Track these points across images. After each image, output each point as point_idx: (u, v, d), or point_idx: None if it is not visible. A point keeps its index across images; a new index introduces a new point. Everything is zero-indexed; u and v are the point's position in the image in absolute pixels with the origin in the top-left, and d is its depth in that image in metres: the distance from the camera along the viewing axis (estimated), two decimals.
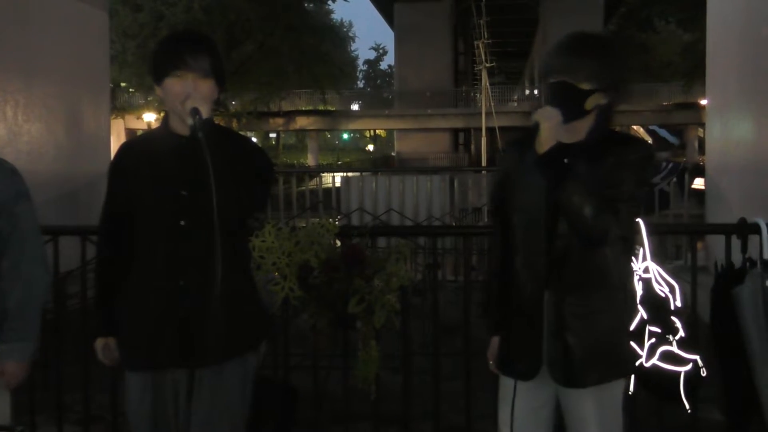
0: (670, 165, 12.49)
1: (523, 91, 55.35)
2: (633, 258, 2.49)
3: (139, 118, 39.55)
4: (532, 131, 2.27)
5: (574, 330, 2.34)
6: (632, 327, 2.42)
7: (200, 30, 2.76)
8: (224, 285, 2.32)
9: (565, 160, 2.28)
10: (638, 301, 2.44)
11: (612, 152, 2.30)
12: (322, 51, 41.17)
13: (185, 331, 2.35)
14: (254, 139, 69.25)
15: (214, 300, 2.30)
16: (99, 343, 2.62)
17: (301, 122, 48.12)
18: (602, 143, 2.33)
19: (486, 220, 12.53)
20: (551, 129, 2.25)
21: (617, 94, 2.37)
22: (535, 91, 49.59)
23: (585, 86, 2.29)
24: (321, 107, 47.76)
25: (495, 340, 2.59)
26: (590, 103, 2.32)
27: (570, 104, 2.29)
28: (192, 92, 2.34)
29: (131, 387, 2.50)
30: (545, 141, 2.24)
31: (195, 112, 2.29)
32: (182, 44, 2.43)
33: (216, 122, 2.51)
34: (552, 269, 2.35)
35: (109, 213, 2.57)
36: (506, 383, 2.51)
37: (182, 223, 2.36)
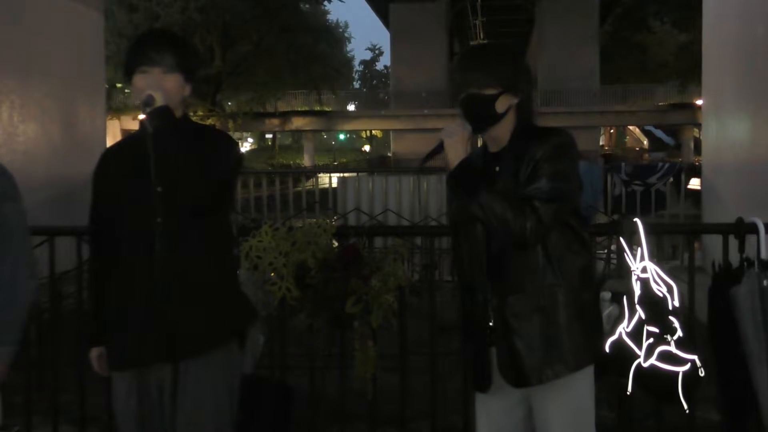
0: (666, 165, 12.52)
1: None
2: (630, 257, 2.49)
3: (135, 118, 39.43)
4: (436, 150, 2.41)
5: (517, 330, 2.36)
6: (630, 327, 2.42)
7: (170, 29, 2.78)
8: (199, 276, 2.42)
9: (497, 168, 2.39)
10: (636, 301, 2.44)
11: (527, 149, 2.33)
12: (318, 51, 41.16)
13: (166, 325, 2.37)
14: (250, 140, 68.83)
15: (190, 292, 2.39)
16: (94, 353, 2.64)
17: (297, 123, 48.08)
18: (523, 142, 2.37)
19: None
20: (455, 144, 2.37)
21: (524, 91, 2.44)
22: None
23: (489, 91, 2.37)
24: (317, 108, 47.73)
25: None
26: (500, 105, 2.38)
27: (481, 112, 2.39)
28: (153, 85, 2.39)
29: (116, 387, 2.53)
30: (452, 158, 2.36)
31: (149, 100, 2.34)
32: (146, 40, 2.51)
33: (179, 116, 2.51)
34: (491, 273, 2.39)
35: (95, 218, 2.60)
36: (481, 402, 2.56)
37: (159, 220, 2.38)
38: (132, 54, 2.47)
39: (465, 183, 2.34)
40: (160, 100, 2.35)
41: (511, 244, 2.33)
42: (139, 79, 2.44)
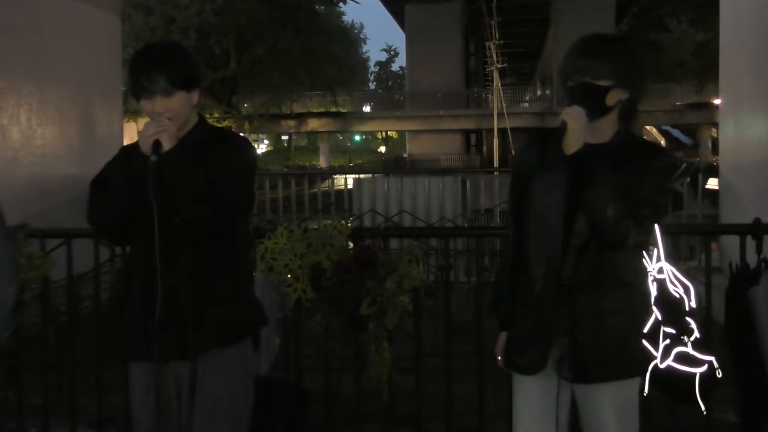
0: (684, 165, 12.43)
1: (535, 92, 55.23)
2: (647, 258, 2.48)
3: None
4: (560, 131, 2.29)
5: (586, 328, 2.34)
6: (647, 328, 2.41)
7: (164, 42, 2.68)
8: (212, 278, 2.44)
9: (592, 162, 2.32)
10: (653, 302, 2.43)
11: (636, 159, 2.33)
12: (333, 53, 41.22)
13: (182, 324, 2.38)
14: (266, 141, 68.74)
15: (203, 290, 2.42)
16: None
17: (313, 124, 48.15)
18: (627, 149, 2.36)
19: (498, 221, 12.50)
20: (579, 129, 2.28)
21: (637, 89, 2.40)
22: (547, 92, 49.47)
23: (604, 83, 2.33)
24: (332, 109, 47.77)
25: (503, 336, 2.58)
26: (611, 98, 2.34)
27: (592, 103, 2.33)
28: (158, 111, 2.37)
29: (135, 388, 2.55)
30: (574, 141, 2.28)
31: (156, 147, 2.31)
32: (138, 69, 2.42)
33: (193, 124, 2.52)
34: (567, 267, 2.36)
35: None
36: (520, 384, 2.50)
37: (176, 220, 2.38)
38: (130, 82, 2.44)
39: (582, 171, 2.27)
40: (167, 143, 2.33)
41: (606, 243, 2.32)
42: (145, 105, 2.42)
